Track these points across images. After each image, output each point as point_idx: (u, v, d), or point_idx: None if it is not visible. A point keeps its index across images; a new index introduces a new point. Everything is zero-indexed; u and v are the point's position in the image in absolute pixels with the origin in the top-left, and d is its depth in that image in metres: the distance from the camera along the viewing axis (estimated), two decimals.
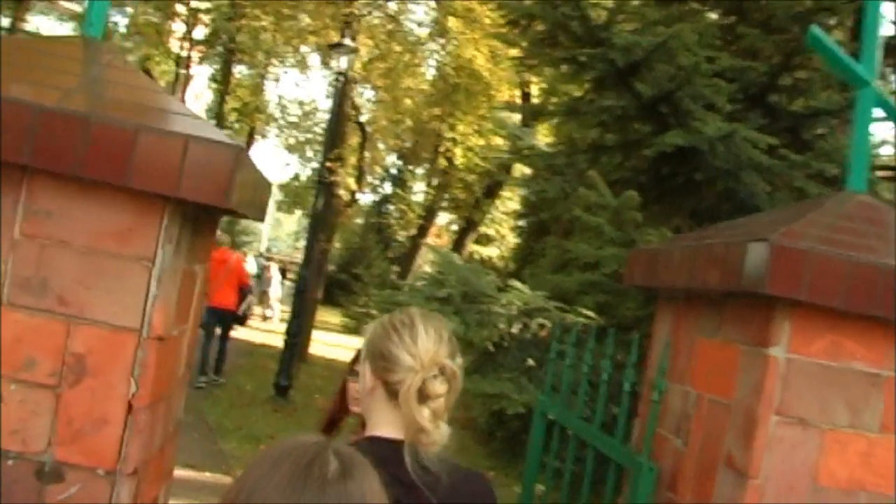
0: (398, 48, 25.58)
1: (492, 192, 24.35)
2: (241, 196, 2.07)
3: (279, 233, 74.09)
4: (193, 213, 2.09)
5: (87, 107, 1.90)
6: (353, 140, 28.75)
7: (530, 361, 5.27)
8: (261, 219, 2.68)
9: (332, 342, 22.19)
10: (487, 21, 19.37)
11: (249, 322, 18.46)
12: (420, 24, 27.10)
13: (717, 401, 2.43)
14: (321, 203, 15.90)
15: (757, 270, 2.12)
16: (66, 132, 1.84)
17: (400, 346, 1.96)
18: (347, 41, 15.47)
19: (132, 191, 1.92)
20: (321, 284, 22.62)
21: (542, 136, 15.19)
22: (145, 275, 1.97)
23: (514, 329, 5.40)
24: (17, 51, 2.16)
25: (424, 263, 25.04)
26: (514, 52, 6.47)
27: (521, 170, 13.44)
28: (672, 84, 4.21)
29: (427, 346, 1.95)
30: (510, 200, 25.39)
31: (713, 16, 5.55)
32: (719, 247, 2.37)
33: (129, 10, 29.72)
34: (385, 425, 1.98)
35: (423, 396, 1.92)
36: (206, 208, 2.08)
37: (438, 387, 1.93)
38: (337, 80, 16.03)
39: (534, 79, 17.86)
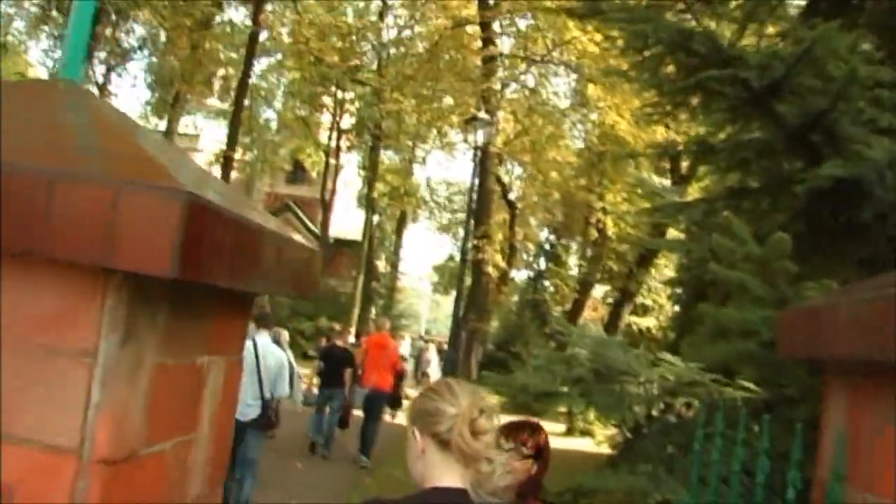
0: (540, 121, 25.32)
1: (646, 260, 23.34)
2: (220, 264, 1.54)
3: (438, 314, 74.83)
4: (167, 290, 1.57)
5: (7, 153, 1.42)
6: (500, 216, 28.49)
7: (670, 448, 4.48)
8: (303, 297, 2.21)
9: None
10: (626, 84, 18.72)
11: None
12: (557, 94, 26.74)
13: None
14: (468, 282, 15.57)
15: None
16: None
17: (442, 401, 2.19)
18: (482, 114, 15.20)
19: (65, 262, 1.42)
20: (473, 364, 22.10)
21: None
22: (86, 375, 1.45)
23: (655, 411, 4.65)
24: None
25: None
26: (647, 97, 5.83)
27: (675, 234, 12.64)
28: (823, 102, 3.44)
29: (465, 397, 2.19)
30: (666, 267, 24.29)
31: (865, 46, 4.71)
32: None
33: (277, 105, 30.94)
34: (443, 476, 2.17)
35: (475, 433, 2.15)
36: (193, 283, 1.55)
37: (485, 423, 2.17)
38: (476, 154, 15.76)
39: (678, 137, 17.05)
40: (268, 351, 8.20)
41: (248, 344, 8.00)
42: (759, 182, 4.34)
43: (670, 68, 4.91)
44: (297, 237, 2.22)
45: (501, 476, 2.20)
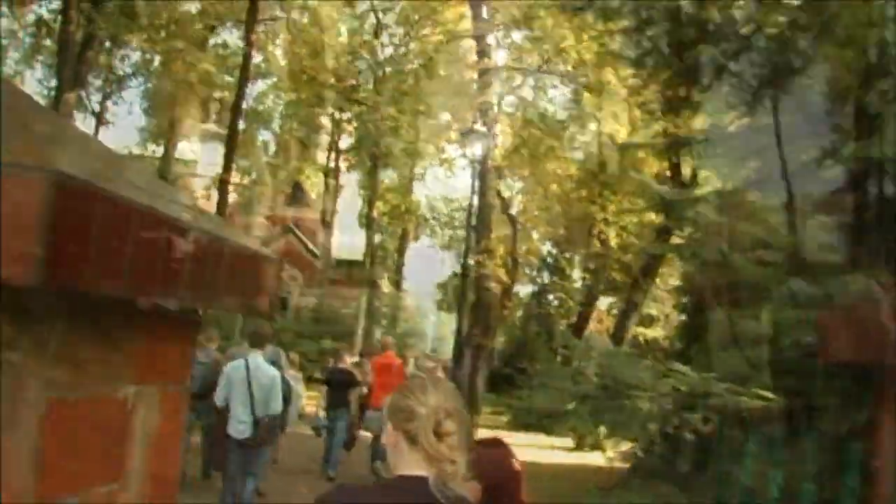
0: (538, 133, 25.15)
1: (650, 269, 22.96)
2: (118, 269, 1.21)
3: (444, 332, 74.54)
4: (64, 306, 1.24)
5: None
6: (502, 231, 28.24)
7: (685, 467, 4.11)
8: (252, 313, 1.90)
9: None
10: (624, 91, 18.41)
11: None
12: (553, 102, 26.55)
13: None
14: (471, 298, 15.31)
15: None
16: None
17: (414, 399, 2.29)
18: (478, 126, 14.94)
19: None
20: (479, 381, 21.71)
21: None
22: None
23: (670, 428, 4.28)
24: None
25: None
26: (645, 97, 5.48)
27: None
28: (853, 77, 3.09)
29: (435, 398, 2.29)
30: (670, 276, 23.92)
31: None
32: None
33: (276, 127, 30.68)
34: (409, 466, 2.29)
35: (439, 435, 2.24)
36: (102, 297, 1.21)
37: (450, 426, 2.26)
38: (474, 167, 15.51)
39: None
40: (259, 370, 8.13)
41: (240, 363, 8.20)
42: (780, 169, 3.99)
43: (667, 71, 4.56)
44: (249, 241, 1.89)
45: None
